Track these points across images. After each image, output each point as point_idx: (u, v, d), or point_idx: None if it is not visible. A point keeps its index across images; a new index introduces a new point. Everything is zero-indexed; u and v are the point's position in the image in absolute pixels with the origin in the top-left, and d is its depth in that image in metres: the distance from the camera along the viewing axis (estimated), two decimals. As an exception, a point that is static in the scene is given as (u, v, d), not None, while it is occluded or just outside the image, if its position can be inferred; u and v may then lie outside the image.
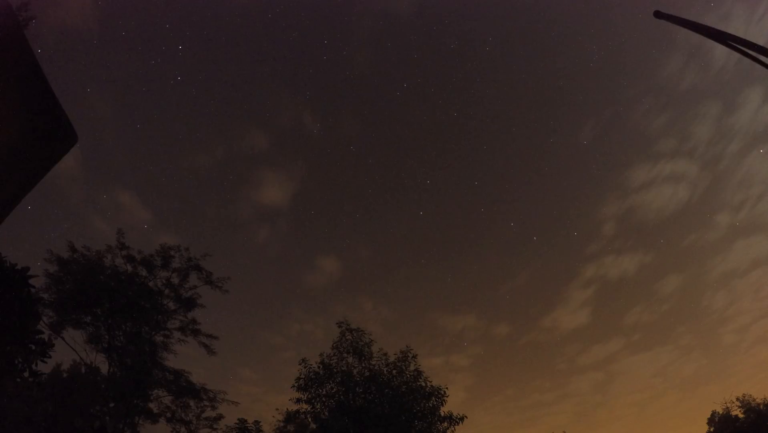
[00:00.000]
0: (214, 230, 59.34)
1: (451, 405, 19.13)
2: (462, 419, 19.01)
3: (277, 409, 29.28)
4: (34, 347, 8.82)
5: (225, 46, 61.65)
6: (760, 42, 3.87)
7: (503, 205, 76.19)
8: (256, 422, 20.90)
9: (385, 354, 20.27)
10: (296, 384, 19.07)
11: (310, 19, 59.17)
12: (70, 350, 19.60)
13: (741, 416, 36.49)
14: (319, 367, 19.49)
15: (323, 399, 19.09)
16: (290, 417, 26.17)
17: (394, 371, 19.67)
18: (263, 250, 65.07)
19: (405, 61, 69.07)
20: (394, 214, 76.07)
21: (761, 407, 35.60)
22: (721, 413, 37.98)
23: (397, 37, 65.85)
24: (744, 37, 3.97)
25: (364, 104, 73.03)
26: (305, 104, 67.21)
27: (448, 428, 18.94)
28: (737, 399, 37.42)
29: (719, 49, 62.74)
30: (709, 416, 38.58)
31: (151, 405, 20.99)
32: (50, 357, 9.21)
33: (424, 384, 19.38)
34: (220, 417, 21.98)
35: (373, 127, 73.45)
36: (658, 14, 4.96)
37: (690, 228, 70.90)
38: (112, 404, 20.26)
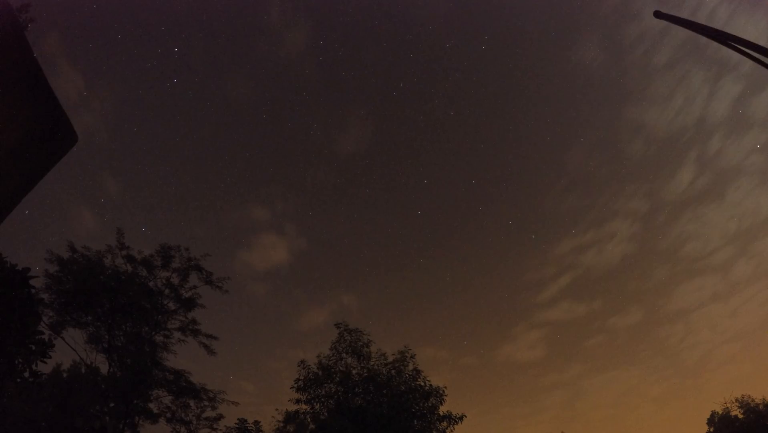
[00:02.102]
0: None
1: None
2: (461, 418, 18.95)
3: (276, 409, 29.24)
4: (34, 347, 8.81)
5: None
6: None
7: (502, 204, 78.52)
8: (256, 422, 20.88)
9: (384, 354, 20.25)
10: (295, 385, 19.06)
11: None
12: (70, 350, 19.57)
13: (741, 416, 36.47)
14: (318, 368, 19.46)
15: (322, 400, 19.06)
16: (290, 417, 26.16)
17: (392, 371, 19.63)
18: (262, 299, 71.35)
19: (402, 61, 69.69)
20: (392, 216, 78.05)
21: (761, 407, 35.57)
22: (720, 413, 37.96)
23: (395, 34, 66.59)
24: (745, 38, 3.96)
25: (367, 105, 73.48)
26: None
27: (447, 428, 18.89)
28: (736, 400, 37.39)
29: (635, 140, 70.65)
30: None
31: (151, 405, 20.95)
32: (50, 357, 9.21)
33: (423, 384, 19.35)
34: (220, 417, 21.95)
35: (373, 132, 74.56)
36: (658, 14, 4.95)
37: (633, 277, 78.15)
38: (112, 404, 20.23)
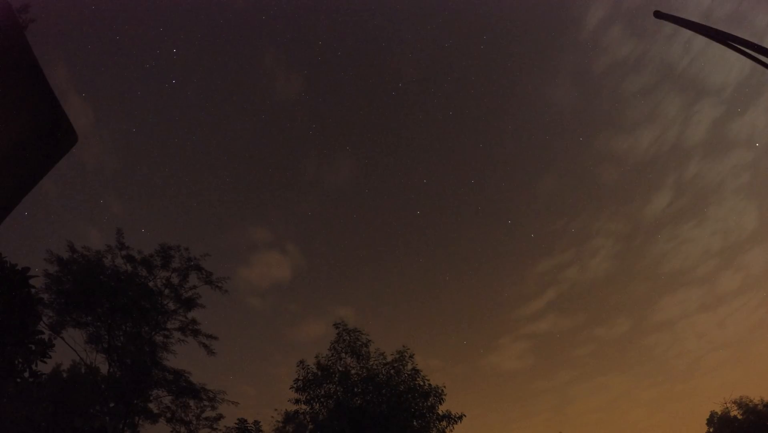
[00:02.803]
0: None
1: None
2: (461, 417, 18.95)
3: (275, 409, 29.22)
4: (34, 347, 8.81)
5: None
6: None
7: (501, 204, 79.04)
8: (256, 422, 20.88)
9: (383, 354, 20.23)
10: (295, 385, 19.05)
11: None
12: (70, 350, 19.54)
13: (740, 417, 36.50)
14: (317, 368, 19.44)
15: (321, 399, 19.05)
16: (289, 418, 26.14)
17: (391, 371, 19.62)
18: (261, 312, 71.33)
19: (401, 60, 69.86)
20: (391, 216, 78.35)
21: (760, 407, 35.60)
22: (719, 413, 38.00)
23: (393, 33, 66.91)
24: (745, 38, 3.97)
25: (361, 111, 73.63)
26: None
27: (446, 427, 18.89)
28: (734, 402, 37.40)
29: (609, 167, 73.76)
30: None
31: (151, 405, 20.94)
32: (50, 357, 9.21)
33: (422, 383, 19.34)
34: (220, 417, 21.95)
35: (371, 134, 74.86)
36: (658, 14, 4.96)
37: (617, 291, 79.46)
38: (112, 404, 20.22)
